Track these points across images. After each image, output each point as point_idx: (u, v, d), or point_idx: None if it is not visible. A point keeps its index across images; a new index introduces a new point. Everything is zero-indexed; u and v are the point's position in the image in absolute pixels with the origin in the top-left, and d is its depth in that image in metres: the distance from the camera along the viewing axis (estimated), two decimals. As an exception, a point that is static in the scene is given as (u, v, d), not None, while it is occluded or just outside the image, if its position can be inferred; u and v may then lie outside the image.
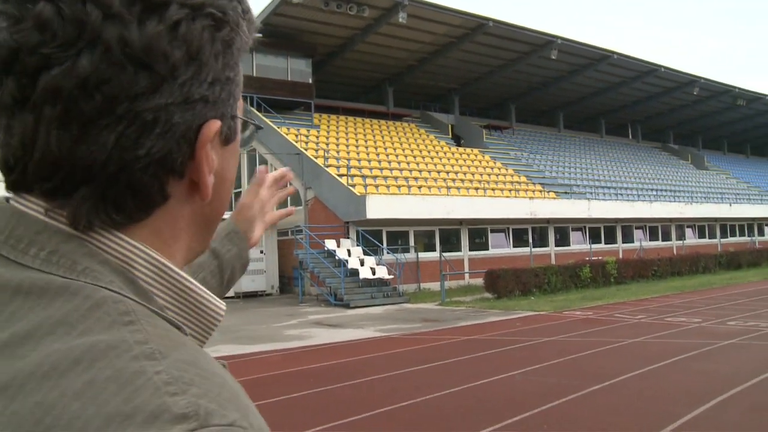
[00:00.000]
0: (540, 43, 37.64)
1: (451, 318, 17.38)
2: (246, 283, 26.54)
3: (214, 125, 0.61)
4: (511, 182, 34.81)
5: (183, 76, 0.57)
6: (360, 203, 24.92)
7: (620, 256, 33.93)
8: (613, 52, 40.61)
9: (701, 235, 43.10)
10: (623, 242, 37.44)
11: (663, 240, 40.25)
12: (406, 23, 31.80)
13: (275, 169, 1.44)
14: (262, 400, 7.64)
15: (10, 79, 0.54)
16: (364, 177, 28.56)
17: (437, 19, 33.49)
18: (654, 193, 42.19)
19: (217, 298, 0.68)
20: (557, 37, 37.38)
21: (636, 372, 9.13)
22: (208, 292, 0.66)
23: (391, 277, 24.01)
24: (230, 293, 23.23)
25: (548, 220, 33.02)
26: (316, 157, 28.93)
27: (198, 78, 0.58)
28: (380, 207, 25.07)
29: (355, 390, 8.85)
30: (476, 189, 31.61)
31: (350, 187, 26.28)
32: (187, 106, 0.58)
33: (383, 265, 24.34)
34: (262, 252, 27.42)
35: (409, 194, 27.99)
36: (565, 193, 36.31)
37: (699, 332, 12.85)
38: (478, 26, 34.79)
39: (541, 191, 35.02)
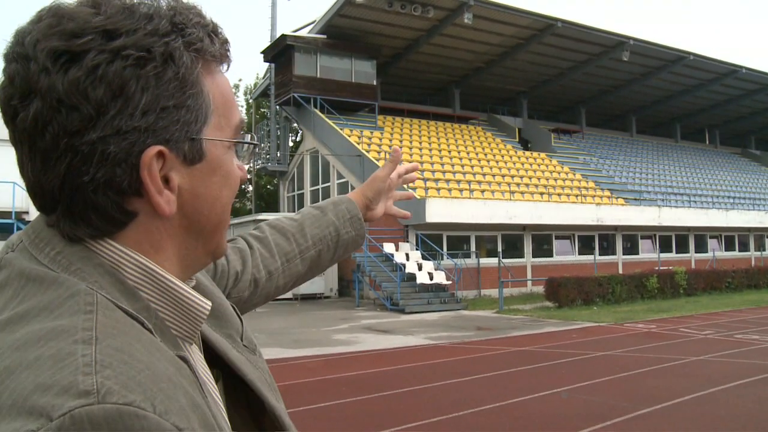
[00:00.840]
0: (611, 44, 36.42)
1: (506, 327, 16.81)
2: (304, 286, 26.34)
3: (152, 151, 0.70)
4: (578, 188, 33.73)
5: (111, 111, 0.68)
6: (420, 206, 24.53)
7: (692, 266, 32.48)
8: (689, 53, 38.96)
9: (782, 246, 40.91)
10: (696, 252, 35.82)
11: (740, 251, 38.32)
12: (472, 24, 31.24)
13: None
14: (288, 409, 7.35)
15: (9, 127, 0.71)
16: (425, 180, 28.14)
17: (504, 19, 32.78)
18: (731, 200, 40.23)
19: (202, 298, 0.78)
20: (629, 38, 36.08)
21: (693, 395, 8.45)
22: (191, 291, 0.77)
23: (449, 282, 23.51)
24: (288, 295, 23.17)
25: (616, 228, 31.86)
26: (378, 159, 28.68)
27: (126, 111, 0.68)
28: (440, 211, 24.63)
29: (386, 401, 8.48)
30: (541, 194, 30.76)
31: (410, 190, 25.91)
32: (120, 137, 0.68)
33: (441, 270, 23.88)
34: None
35: (470, 198, 27.39)
36: (635, 199, 34.96)
37: (770, 352, 11.95)
38: (547, 27, 33.88)
39: (609, 197, 33.80)
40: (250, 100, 50.23)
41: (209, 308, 0.79)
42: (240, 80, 59.07)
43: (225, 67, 0.82)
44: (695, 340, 13.67)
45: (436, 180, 29.07)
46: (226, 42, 0.80)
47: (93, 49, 0.67)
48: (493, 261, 27.31)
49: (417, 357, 12.18)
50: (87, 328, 0.61)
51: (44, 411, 0.54)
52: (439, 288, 23.22)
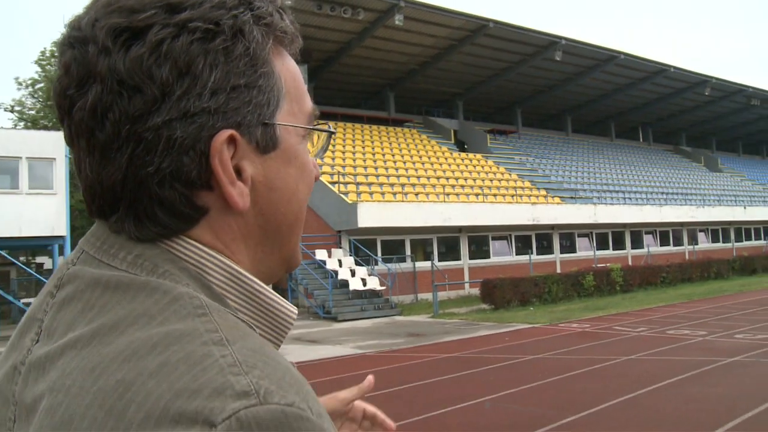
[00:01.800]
0: (543, 44, 36.51)
1: (439, 332, 16.28)
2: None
3: (223, 135, 0.62)
4: (514, 188, 33.62)
5: (178, 91, 0.60)
6: (351, 211, 23.91)
7: (629, 262, 32.68)
8: (620, 53, 39.38)
9: (714, 240, 41.69)
10: (632, 248, 36.13)
11: (675, 245, 38.88)
12: (404, 26, 30.78)
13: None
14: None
15: (65, 122, 0.64)
16: (357, 184, 27.53)
17: (436, 21, 32.42)
18: (664, 196, 40.82)
19: (289, 303, 0.71)
20: (561, 38, 36.24)
21: (621, 398, 7.99)
22: (278, 296, 0.70)
23: (383, 288, 22.92)
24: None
25: (552, 227, 31.83)
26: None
27: (193, 91, 0.61)
28: (372, 215, 24.01)
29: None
30: (477, 195, 30.46)
31: (342, 195, 25.25)
32: (187, 120, 0.61)
33: (375, 275, 23.28)
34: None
35: (404, 201, 26.86)
36: (571, 198, 35.04)
37: (701, 347, 11.67)
38: (479, 28, 33.69)
39: (545, 196, 33.78)
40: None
41: (296, 314, 0.74)
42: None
43: (295, 49, 0.73)
44: (628, 339, 13.35)
45: (369, 184, 28.48)
46: (294, 22, 0.72)
47: (157, 24, 0.60)
48: (429, 265, 26.82)
49: (342, 368, 11.54)
50: (211, 330, 0.55)
51: (200, 416, 0.48)
52: (373, 294, 22.57)
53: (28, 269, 28.74)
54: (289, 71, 0.70)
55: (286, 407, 0.51)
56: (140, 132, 0.60)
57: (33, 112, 41.25)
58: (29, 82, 41.14)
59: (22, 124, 39.06)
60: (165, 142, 0.60)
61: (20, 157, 21.92)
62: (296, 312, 0.73)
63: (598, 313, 18.45)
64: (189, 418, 0.48)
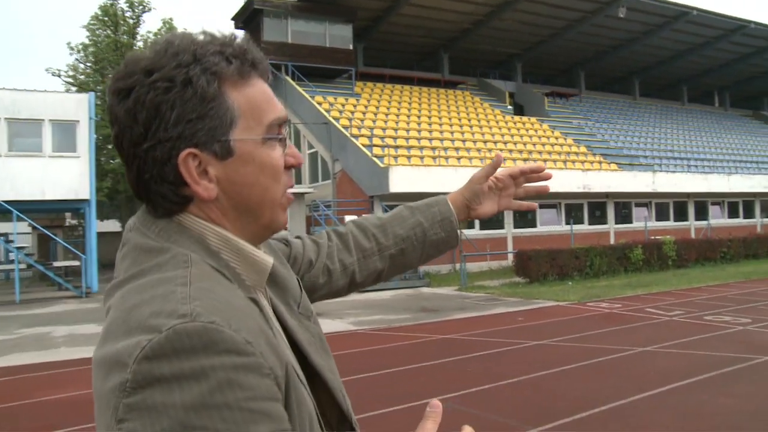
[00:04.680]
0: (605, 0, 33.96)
1: (454, 308, 14.98)
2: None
3: (184, 153, 0.93)
4: (568, 153, 31.56)
5: (153, 127, 0.92)
6: (383, 175, 22.67)
7: (692, 235, 30.38)
8: (692, 8, 36.37)
9: (793, 213, 38.48)
10: (697, 220, 33.59)
11: (745, 218, 36.02)
12: (453, -20, 28.89)
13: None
14: None
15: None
16: (397, 147, 26.20)
17: (487, -26, 30.38)
18: (735, 165, 37.84)
19: (266, 256, 1.04)
20: (625, -8, 33.59)
21: (604, 407, 6.58)
22: (257, 251, 1.02)
23: (413, 257, 21.63)
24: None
25: (607, 195, 29.75)
26: (347, 128, 26.68)
27: (162, 126, 0.92)
28: (405, 179, 22.68)
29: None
30: (525, 160, 28.62)
31: (375, 158, 23.97)
32: (162, 145, 0.93)
33: (406, 244, 21.99)
34: (286, 229, 25.60)
35: (437, 165, 25.31)
36: (629, 165, 32.69)
37: (738, 340, 10.02)
38: (533, -18, 31.47)
39: (600, 163, 31.56)
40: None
41: (271, 263, 1.04)
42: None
43: (257, 79, 1.01)
44: (656, 324, 11.76)
45: (409, 147, 27.07)
46: (251, 60, 0.99)
47: (138, 85, 0.93)
48: (470, 232, 25.40)
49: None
50: (183, 276, 0.87)
51: (156, 328, 0.78)
52: (401, 263, 21.31)
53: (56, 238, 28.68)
54: (246, 97, 0.98)
55: (207, 324, 0.79)
56: (138, 153, 0.94)
57: (83, 77, 41.27)
58: (80, 47, 41.12)
59: (74, 88, 39.13)
60: (152, 159, 0.93)
61: (43, 120, 21.47)
62: (271, 261, 1.04)
63: (639, 291, 16.74)
64: (151, 329, 0.79)
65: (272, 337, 0.89)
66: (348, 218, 21.83)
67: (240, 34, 1.04)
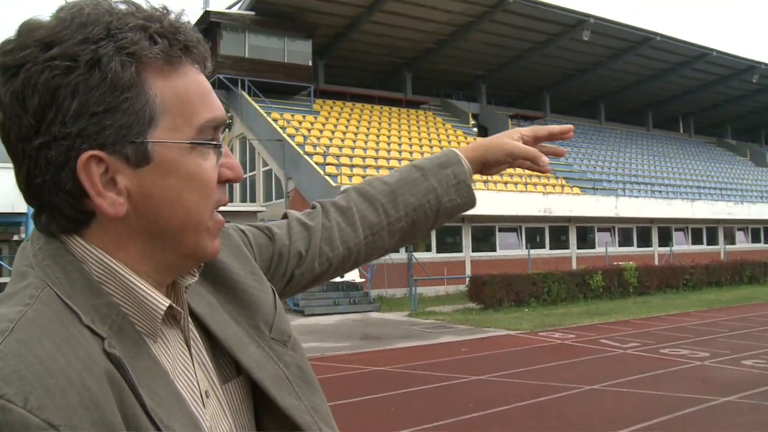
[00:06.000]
0: (570, 22, 33.63)
1: (400, 336, 13.98)
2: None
3: (85, 155, 0.71)
4: (529, 175, 30.90)
5: (48, 118, 0.70)
6: (335, 194, 21.48)
7: (655, 261, 29.79)
8: (656, 34, 36.21)
9: (755, 240, 38.24)
10: (660, 246, 33.05)
11: (709, 244, 35.61)
12: (414, -1, 28.27)
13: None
14: None
15: None
16: (351, 167, 25.27)
17: (449, -7, 29.79)
18: (699, 191, 37.52)
19: (160, 297, 0.78)
20: (589, 16, 33.32)
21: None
22: (149, 290, 0.77)
23: (363, 280, 20.65)
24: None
25: (569, 219, 29.09)
26: (302, 145, 25.72)
27: (58, 118, 0.70)
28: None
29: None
30: (485, 182, 27.80)
31: (327, 177, 22.99)
32: (58, 143, 0.71)
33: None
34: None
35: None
36: (592, 188, 32.12)
37: (694, 377, 9.16)
38: (497, 2, 30.96)
39: (562, 186, 30.94)
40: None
41: (165, 307, 0.78)
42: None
43: (190, 67, 0.78)
44: (608, 357, 10.87)
45: (365, 167, 26.17)
46: (182, 43, 0.76)
47: (29, 62, 0.70)
48: (425, 255, 24.48)
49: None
50: (12, 319, 0.66)
51: None
52: (350, 287, 20.30)
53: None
54: (173, 89, 0.75)
55: None
56: (28, 151, 0.71)
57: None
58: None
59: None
60: (44, 160, 0.71)
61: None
62: (165, 305, 0.78)
63: (596, 319, 15.89)
64: None
65: (110, 414, 0.64)
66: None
67: (178, 9, 0.79)
